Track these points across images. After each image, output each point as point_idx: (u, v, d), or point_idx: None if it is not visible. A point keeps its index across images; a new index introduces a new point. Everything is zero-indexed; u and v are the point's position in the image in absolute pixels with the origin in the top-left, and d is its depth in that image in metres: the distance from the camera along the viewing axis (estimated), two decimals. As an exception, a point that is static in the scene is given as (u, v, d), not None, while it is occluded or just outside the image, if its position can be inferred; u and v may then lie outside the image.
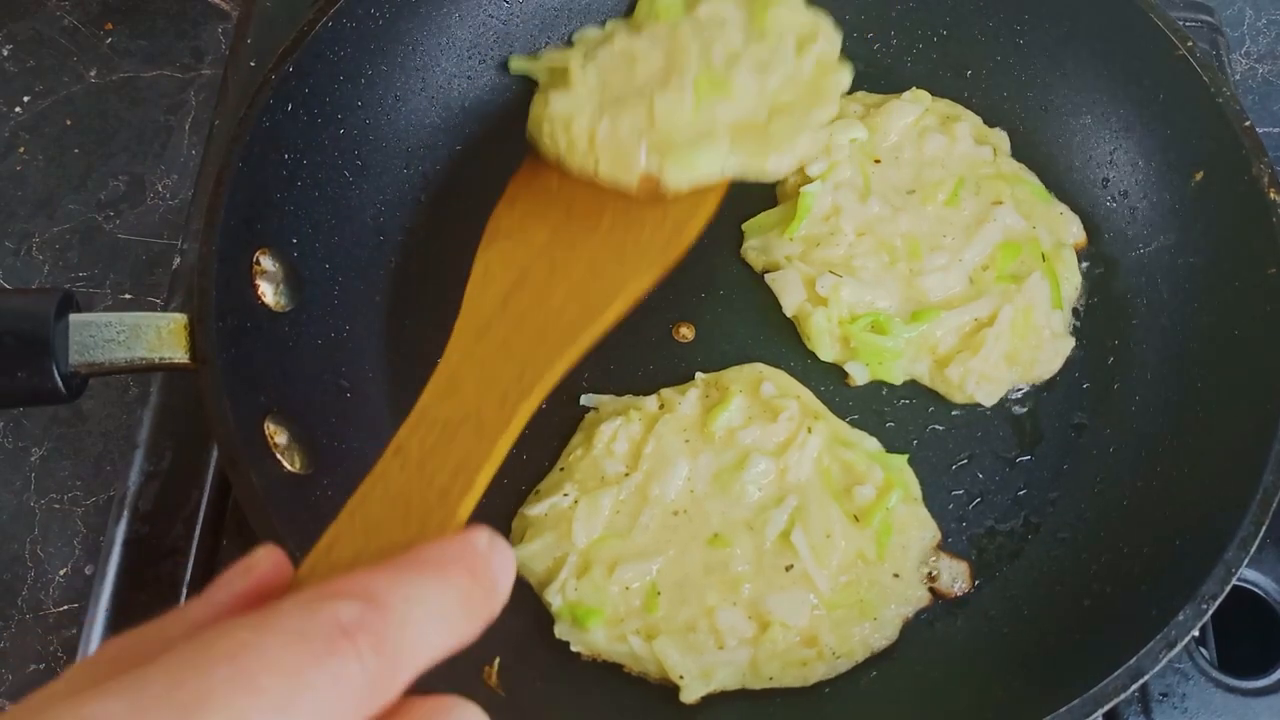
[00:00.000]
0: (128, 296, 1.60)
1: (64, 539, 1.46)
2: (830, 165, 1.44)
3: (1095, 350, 1.41)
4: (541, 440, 1.35)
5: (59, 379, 1.10)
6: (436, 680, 1.04)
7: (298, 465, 1.21)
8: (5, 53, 1.79)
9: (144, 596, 1.32)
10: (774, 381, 1.36)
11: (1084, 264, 1.45)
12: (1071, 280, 1.42)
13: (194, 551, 1.34)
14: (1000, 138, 1.51)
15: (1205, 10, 1.72)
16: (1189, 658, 1.27)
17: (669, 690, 1.19)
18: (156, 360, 1.15)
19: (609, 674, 1.22)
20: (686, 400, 1.34)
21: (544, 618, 1.23)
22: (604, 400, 1.37)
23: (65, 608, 1.42)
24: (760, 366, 1.38)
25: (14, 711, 0.59)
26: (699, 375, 1.38)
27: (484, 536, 0.70)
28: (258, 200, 1.30)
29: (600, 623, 1.20)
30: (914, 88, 1.52)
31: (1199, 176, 1.38)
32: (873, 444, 1.34)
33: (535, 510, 1.28)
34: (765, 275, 1.44)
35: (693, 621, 1.21)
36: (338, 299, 1.39)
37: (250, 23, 1.68)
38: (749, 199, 1.48)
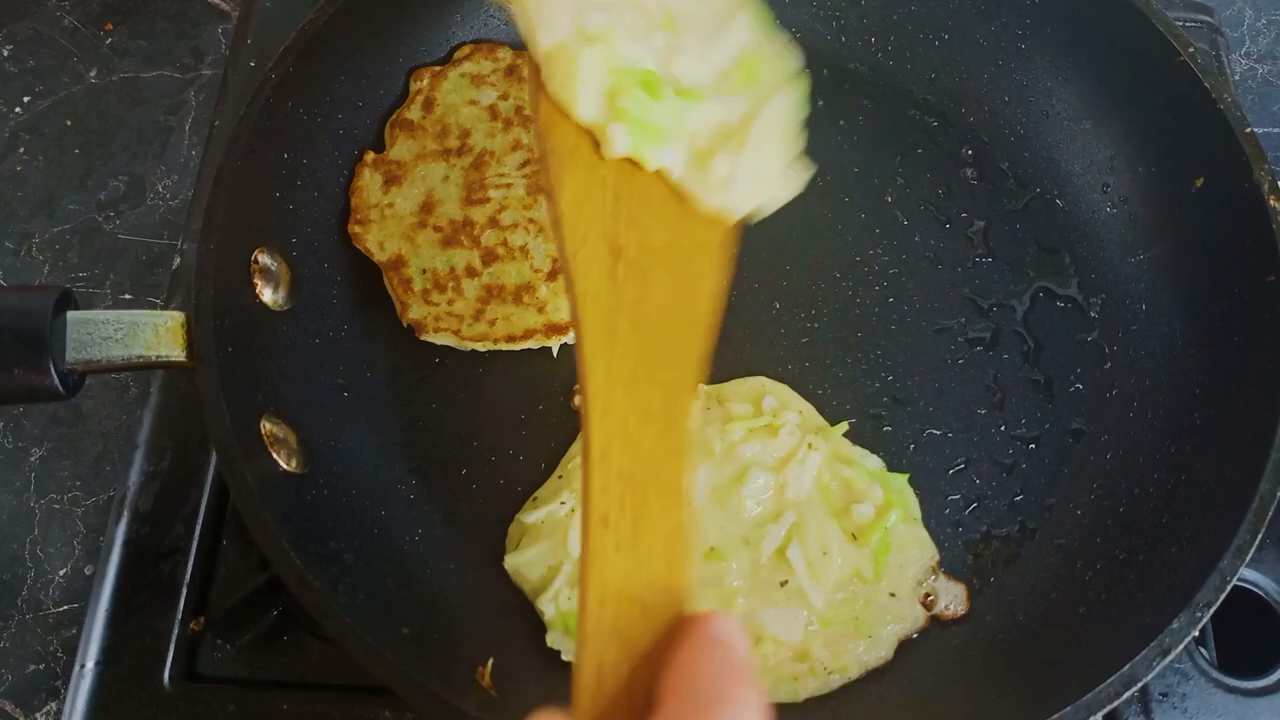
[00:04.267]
0: (128, 296, 1.62)
1: (64, 539, 1.48)
2: None
3: (1094, 355, 1.43)
4: (541, 443, 1.37)
5: (56, 376, 1.10)
6: (431, 678, 1.07)
7: (294, 465, 1.23)
8: (5, 53, 1.81)
9: (144, 596, 1.33)
10: (776, 395, 1.37)
11: (1082, 273, 1.47)
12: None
13: (194, 551, 1.35)
14: None
15: (1205, 10, 1.73)
16: (1189, 658, 1.28)
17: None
18: (154, 358, 1.16)
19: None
20: None
21: (538, 624, 1.25)
22: None
23: (65, 608, 1.44)
24: (763, 380, 1.39)
25: None
26: (701, 385, 1.38)
27: (726, 626, 0.74)
28: (257, 198, 1.32)
29: None
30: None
31: (1199, 183, 1.39)
32: (874, 462, 1.35)
33: (532, 517, 1.29)
34: None
35: None
36: (335, 298, 1.41)
37: (250, 23, 1.69)
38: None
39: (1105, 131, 1.50)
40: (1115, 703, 1.06)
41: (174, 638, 1.31)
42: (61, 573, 1.46)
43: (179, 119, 1.76)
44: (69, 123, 1.76)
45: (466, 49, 1.54)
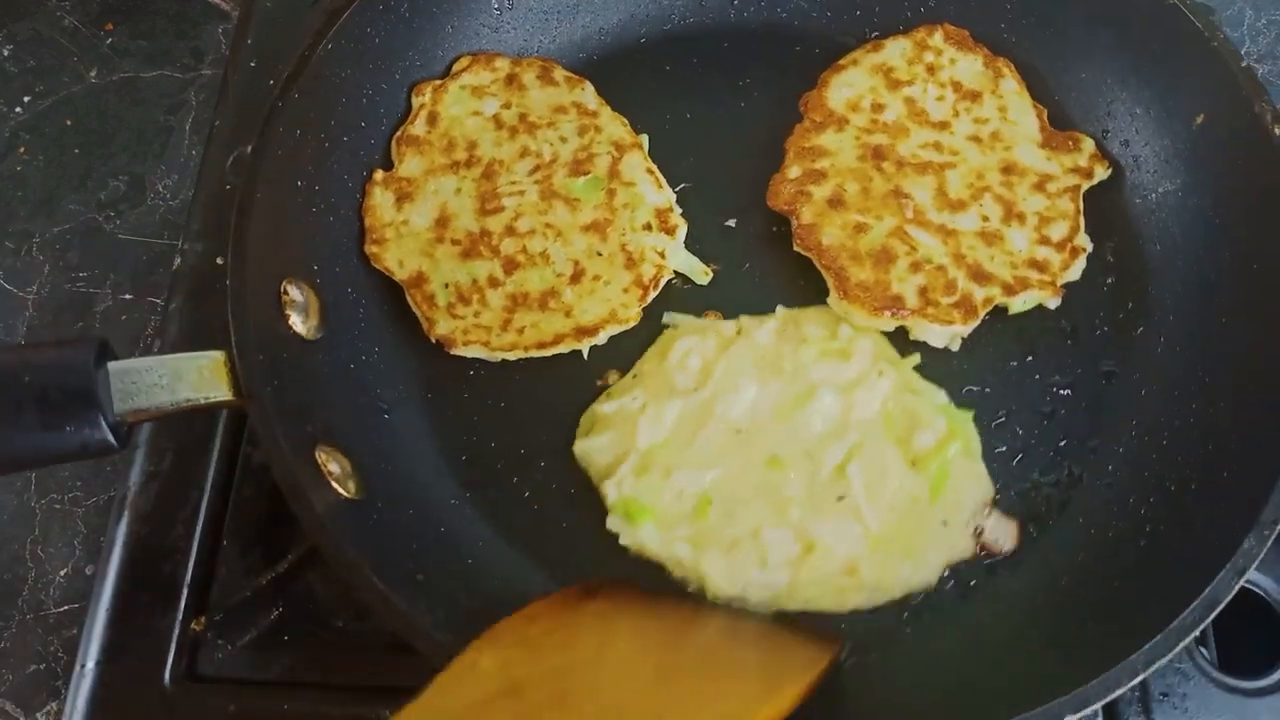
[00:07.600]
0: (128, 296, 1.67)
1: (64, 539, 1.52)
2: None
3: (1115, 298, 1.46)
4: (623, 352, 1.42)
5: (109, 429, 1.10)
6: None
7: (351, 490, 1.24)
8: (5, 53, 1.88)
9: (144, 596, 1.37)
10: (851, 324, 1.42)
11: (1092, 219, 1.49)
12: None
13: (194, 551, 1.39)
14: None
15: (1205, 10, 1.74)
16: (1189, 657, 1.31)
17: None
18: (203, 401, 1.17)
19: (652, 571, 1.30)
20: (764, 329, 1.42)
21: (599, 511, 1.31)
22: (684, 319, 1.45)
23: (65, 608, 1.48)
24: None
25: None
26: (780, 308, 1.44)
27: None
28: (277, 229, 1.34)
29: (651, 521, 1.28)
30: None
31: (1200, 119, 1.44)
32: (941, 397, 1.39)
33: (605, 408, 1.37)
34: None
35: (739, 537, 1.27)
36: (364, 321, 1.43)
37: (250, 23, 1.75)
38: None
39: (1101, 79, 1.54)
40: (1194, 633, 1.09)
41: (174, 637, 1.34)
42: (62, 573, 1.50)
43: (179, 119, 1.82)
44: (69, 123, 1.81)
45: (464, 60, 1.59)
